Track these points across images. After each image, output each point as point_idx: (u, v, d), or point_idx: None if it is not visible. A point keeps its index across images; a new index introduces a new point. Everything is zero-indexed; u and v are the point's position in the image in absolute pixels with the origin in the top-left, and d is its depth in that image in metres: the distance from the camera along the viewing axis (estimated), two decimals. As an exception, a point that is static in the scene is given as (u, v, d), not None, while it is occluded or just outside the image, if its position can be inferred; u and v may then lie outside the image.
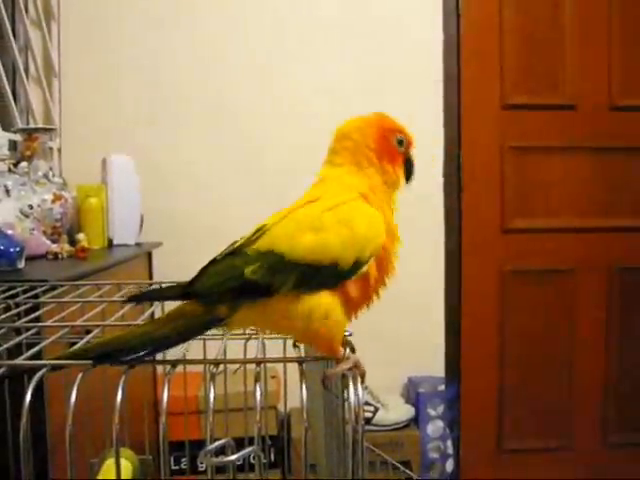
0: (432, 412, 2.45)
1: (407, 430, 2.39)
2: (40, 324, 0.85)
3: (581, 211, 2.65)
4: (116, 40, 2.48)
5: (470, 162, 2.60)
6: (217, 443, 0.62)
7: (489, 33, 2.59)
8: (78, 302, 0.95)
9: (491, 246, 2.63)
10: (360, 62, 2.56)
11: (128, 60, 2.48)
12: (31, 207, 1.73)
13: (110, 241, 2.12)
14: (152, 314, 0.93)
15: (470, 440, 2.62)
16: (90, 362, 0.64)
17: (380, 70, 2.56)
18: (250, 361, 0.71)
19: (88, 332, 0.82)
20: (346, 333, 0.74)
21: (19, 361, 0.67)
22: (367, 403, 2.33)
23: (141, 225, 2.24)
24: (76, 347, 0.71)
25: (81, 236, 1.86)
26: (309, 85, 2.54)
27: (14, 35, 2.20)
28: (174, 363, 0.68)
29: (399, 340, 2.56)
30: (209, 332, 0.76)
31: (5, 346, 0.73)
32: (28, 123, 2.26)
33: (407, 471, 1.50)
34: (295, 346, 0.77)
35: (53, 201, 1.82)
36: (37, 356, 0.71)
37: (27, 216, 1.71)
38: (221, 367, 0.72)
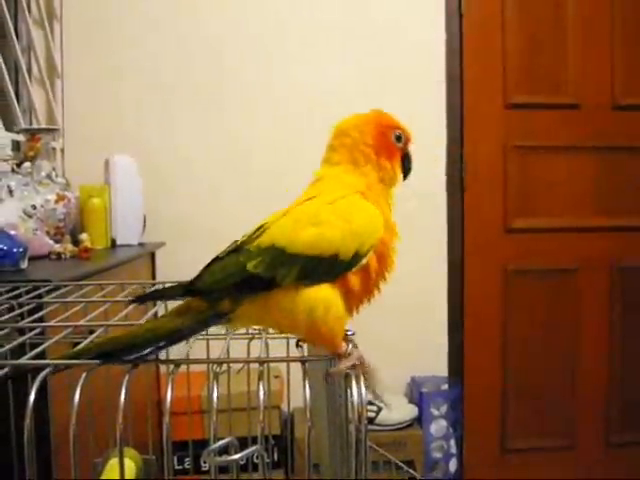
0: (435, 412, 2.45)
1: (410, 430, 2.38)
2: (43, 324, 0.85)
3: (584, 210, 2.64)
4: (119, 41, 2.48)
5: (473, 162, 2.60)
6: (220, 442, 0.62)
7: (491, 33, 2.58)
8: (81, 302, 0.95)
9: (494, 246, 2.63)
10: (362, 63, 2.56)
11: (131, 61, 2.49)
12: (34, 207, 1.74)
13: (113, 241, 2.12)
14: (155, 314, 0.93)
15: (473, 439, 2.61)
16: (94, 362, 0.64)
17: (382, 71, 2.56)
18: (253, 361, 0.71)
19: (91, 332, 0.82)
20: (348, 332, 0.74)
21: (23, 361, 0.67)
22: (370, 403, 2.33)
23: (144, 225, 2.25)
24: (79, 347, 0.71)
25: (84, 236, 1.87)
26: (311, 87, 2.54)
27: (17, 35, 2.20)
28: (177, 363, 0.68)
29: (402, 340, 2.56)
30: (212, 332, 0.77)
31: (9, 346, 0.73)
32: (31, 123, 2.26)
33: (410, 471, 1.50)
34: (298, 346, 0.77)
35: (56, 201, 1.83)
36: (40, 356, 0.71)
37: (30, 216, 1.71)
38: (224, 367, 0.72)
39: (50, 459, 1.01)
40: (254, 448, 0.62)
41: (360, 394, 0.60)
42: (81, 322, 0.86)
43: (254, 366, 0.71)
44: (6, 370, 0.64)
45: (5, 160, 1.76)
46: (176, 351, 0.74)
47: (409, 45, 2.58)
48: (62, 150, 2.41)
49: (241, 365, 0.75)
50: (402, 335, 2.55)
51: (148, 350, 0.67)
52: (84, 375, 0.62)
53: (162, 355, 0.75)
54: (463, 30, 2.58)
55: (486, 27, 2.58)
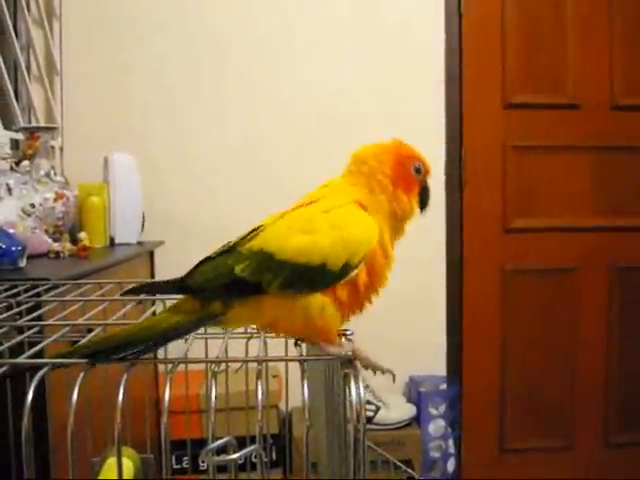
0: (433, 411, 2.45)
1: (408, 429, 2.39)
2: (42, 323, 0.85)
3: (583, 210, 2.65)
4: (118, 39, 2.48)
5: (472, 161, 2.60)
6: (219, 442, 0.62)
7: (491, 32, 2.59)
8: (80, 301, 0.95)
9: (493, 245, 2.63)
10: (362, 63, 2.56)
11: (130, 59, 2.48)
12: (33, 206, 1.74)
13: (112, 240, 2.12)
14: (154, 313, 0.93)
15: (471, 439, 2.61)
16: (91, 361, 0.64)
17: (382, 70, 2.56)
18: (252, 360, 0.71)
19: (90, 331, 0.82)
20: (347, 332, 0.74)
21: (21, 360, 0.67)
22: (368, 402, 2.33)
23: (143, 224, 2.24)
24: (77, 346, 0.71)
25: (83, 235, 1.86)
26: (313, 87, 2.54)
27: (16, 33, 2.20)
28: (176, 362, 0.68)
29: (400, 339, 2.55)
30: (211, 331, 0.77)
31: (7, 345, 0.73)
32: (30, 122, 2.26)
33: (409, 470, 1.50)
34: (297, 345, 0.77)
35: (55, 200, 1.83)
36: (39, 355, 0.71)
37: (29, 215, 1.71)
38: (223, 366, 0.72)
39: (48, 458, 1.01)
40: (253, 448, 0.62)
41: (359, 393, 0.60)
42: (79, 321, 0.86)
43: (252, 365, 0.71)
44: (4, 369, 0.64)
45: (4, 158, 1.76)
46: (175, 350, 0.74)
47: (409, 45, 2.58)
48: (61, 148, 2.41)
49: (239, 364, 0.75)
50: (400, 334, 2.55)
51: (143, 348, 0.67)
52: (82, 374, 0.62)
53: (160, 354, 0.75)
54: (462, 30, 2.58)
55: (485, 27, 2.59)
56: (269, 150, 2.54)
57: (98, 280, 1.20)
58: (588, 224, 2.64)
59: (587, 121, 2.62)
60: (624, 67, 2.62)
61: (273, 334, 0.73)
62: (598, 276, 2.66)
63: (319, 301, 0.66)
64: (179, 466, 2.04)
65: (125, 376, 0.63)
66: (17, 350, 0.73)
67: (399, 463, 1.46)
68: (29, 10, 2.30)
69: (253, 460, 0.99)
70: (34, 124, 2.22)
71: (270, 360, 0.72)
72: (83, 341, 0.76)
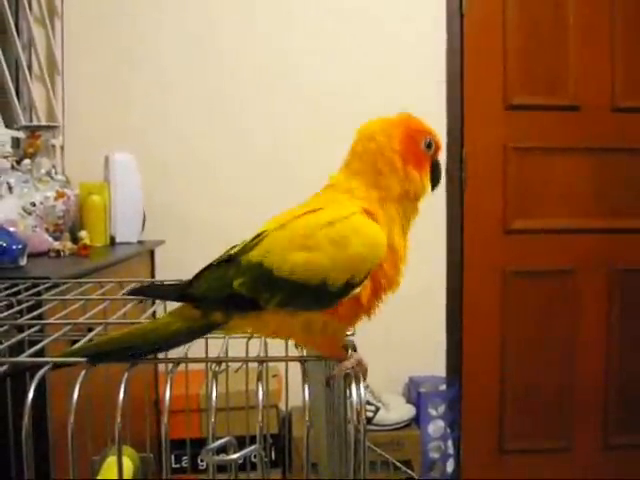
0: (433, 412, 2.45)
1: (408, 430, 2.38)
2: (42, 321, 0.85)
3: (583, 212, 2.65)
4: (120, 38, 2.48)
5: (473, 162, 2.60)
6: (219, 442, 0.62)
7: (492, 33, 2.58)
8: (80, 300, 0.95)
9: (493, 246, 2.63)
10: (363, 62, 2.56)
11: (132, 58, 2.48)
12: (34, 204, 1.74)
13: (112, 239, 2.11)
14: (154, 313, 0.93)
15: (471, 440, 2.61)
16: (92, 362, 0.64)
17: (383, 70, 2.56)
18: (252, 360, 0.71)
19: (90, 330, 0.82)
20: (348, 333, 0.74)
21: (21, 358, 0.67)
22: (368, 402, 2.33)
23: (143, 223, 2.24)
24: (78, 345, 0.71)
25: (83, 234, 1.86)
26: (313, 87, 2.54)
27: (18, 32, 2.20)
28: (176, 361, 0.68)
29: (400, 340, 2.55)
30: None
31: (7, 343, 0.73)
32: (31, 120, 2.26)
33: (408, 471, 1.50)
34: (297, 346, 0.77)
35: (56, 198, 1.82)
36: (39, 354, 0.71)
37: (30, 213, 1.71)
38: (223, 365, 0.72)
39: (48, 456, 1.01)
40: (253, 448, 0.62)
41: (359, 394, 0.60)
42: (80, 320, 0.86)
43: (253, 365, 0.71)
44: (5, 367, 0.64)
45: (5, 157, 1.76)
46: (175, 349, 0.74)
47: (410, 44, 2.58)
48: (62, 147, 2.41)
49: (240, 364, 0.75)
50: (400, 335, 2.55)
51: (144, 352, 0.67)
52: (82, 373, 0.62)
53: (161, 353, 0.75)
54: (464, 30, 2.58)
55: (487, 27, 2.58)
56: (270, 149, 2.53)
57: (99, 279, 1.20)
58: (588, 226, 2.64)
59: (588, 123, 2.62)
60: (625, 69, 2.62)
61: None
62: (598, 278, 2.66)
63: (319, 318, 0.64)
64: (178, 465, 2.04)
65: (125, 375, 0.63)
66: (17, 349, 0.73)
67: (398, 464, 1.46)
68: (31, 9, 2.30)
69: (253, 460, 0.99)
70: (35, 123, 2.22)
71: (270, 360, 0.72)
72: (84, 341, 0.76)
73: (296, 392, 0.73)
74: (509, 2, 2.57)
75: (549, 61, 2.61)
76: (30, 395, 0.60)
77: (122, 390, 0.61)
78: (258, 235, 0.68)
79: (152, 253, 2.27)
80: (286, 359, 0.72)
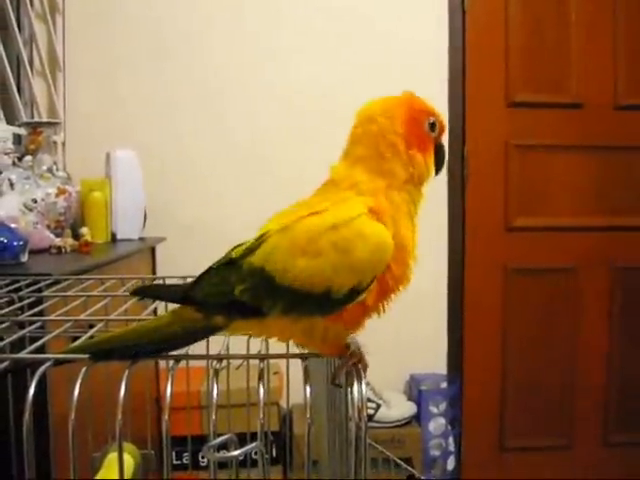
0: (434, 409, 2.45)
1: (409, 427, 2.39)
2: (43, 318, 0.85)
3: (585, 210, 2.64)
4: (121, 34, 2.47)
5: (475, 160, 2.59)
6: (220, 439, 0.62)
7: (494, 30, 2.58)
8: (81, 296, 0.95)
9: (495, 244, 2.63)
10: (364, 60, 2.55)
11: (133, 54, 2.48)
12: (35, 201, 1.73)
13: (113, 235, 2.12)
14: (155, 310, 0.93)
15: (472, 438, 2.62)
16: (93, 359, 0.64)
17: (384, 67, 2.55)
18: (253, 357, 0.71)
19: (91, 326, 0.82)
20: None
21: (22, 355, 0.67)
22: (369, 400, 2.33)
23: (145, 220, 2.24)
24: (79, 342, 0.71)
25: (85, 230, 1.87)
26: (314, 85, 2.53)
27: (19, 28, 2.20)
28: (177, 358, 0.67)
29: (401, 337, 2.55)
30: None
31: (8, 340, 0.73)
32: (32, 117, 2.26)
33: (409, 468, 1.50)
34: (299, 346, 0.77)
35: (57, 195, 1.82)
36: (40, 350, 0.71)
37: (31, 210, 1.71)
38: (224, 363, 0.72)
39: (49, 453, 1.01)
40: (254, 445, 0.62)
41: (360, 391, 0.60)
42: (81, 316, 0.86)
43: (254, 362, 0.71)
44: (6, 364, 0.64)
45: (6, 153, 1.75)
46: (176, 347, 0.73)
47: (412, 42, 2.57)
48: (63, 144, 2.40)
49: (241, 361, 0.75)
50: (401, 333, 2.55)
51: (146, 350, 0.66)
52: (83, 370, 0.62)
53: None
54: (466, 27, 2.57)
55: (489, 24, 2.58)
56: (271, 147, 2.53)
57: (100, 276, 1.20)
58: (590, 223, 2.64)
59: (590, 120, 2.62)
60: (628, 67, 2.62)
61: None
62: (600, 275, 2.66)
63: (322, 324, 0.63)
64: (179, 462, 2.05)
65: (127, 372, 0.63)
66: (18, 345, 0.73)
67: (399, 461, 1.46)
68: (32, 5, 2.30)
69: (254, 457, 0.99)
70: (37, 119, 2.22)
71: (272, 357, 0.72)
72: (84, 337, 0.76)
73: (297, 389, 0.73)
74: (511, -1, 2.57)
75: (551, 58, 2.60)
76: (31, 392, 0.60)
77: (123, 387, 0.61)
78: (261, 236, 0.65)
79: (153, 250, 2.27)
80: (287, 356, 0.72)
